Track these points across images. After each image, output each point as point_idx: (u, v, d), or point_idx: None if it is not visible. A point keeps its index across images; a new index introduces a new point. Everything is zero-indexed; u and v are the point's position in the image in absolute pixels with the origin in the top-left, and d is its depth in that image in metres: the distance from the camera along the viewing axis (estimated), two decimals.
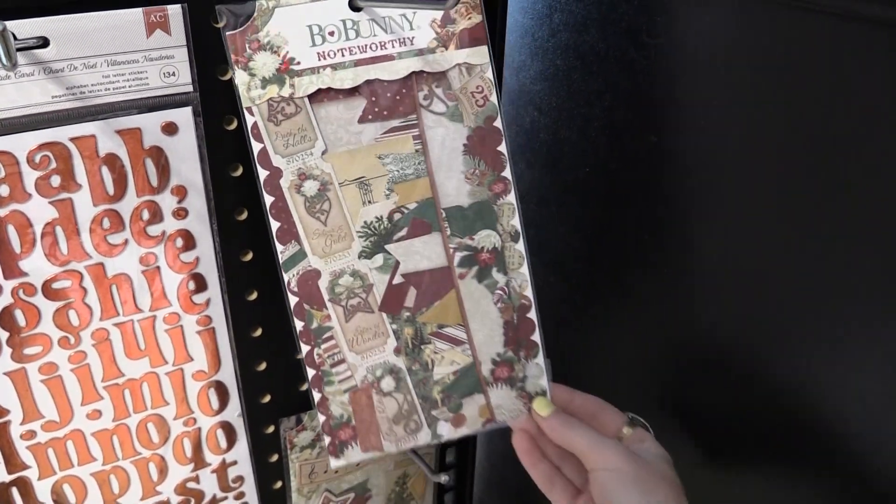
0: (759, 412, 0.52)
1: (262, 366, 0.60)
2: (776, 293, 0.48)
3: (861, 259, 0.42)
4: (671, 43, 0.50)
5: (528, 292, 0.56)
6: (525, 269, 0.56)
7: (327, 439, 0.55)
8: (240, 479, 0.63)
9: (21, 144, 0.44)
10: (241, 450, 0.62)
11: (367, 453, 0.56)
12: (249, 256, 0.55)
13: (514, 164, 0.67)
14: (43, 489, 0.54)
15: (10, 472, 0.52)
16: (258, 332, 0.58)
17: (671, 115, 0.52)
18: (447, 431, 0.57)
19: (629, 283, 0.60)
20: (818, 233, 0.44)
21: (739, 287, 0.50)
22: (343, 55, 0.50)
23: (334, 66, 0.50)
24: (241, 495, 0.64)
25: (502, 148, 0.55)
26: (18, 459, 0.52)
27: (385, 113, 0.52)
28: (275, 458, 0.65)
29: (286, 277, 0.52)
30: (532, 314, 0.57)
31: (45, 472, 0.54)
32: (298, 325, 0.53)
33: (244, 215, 0.54)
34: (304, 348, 0.53)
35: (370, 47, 0.50)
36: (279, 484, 0.67)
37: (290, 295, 0.52)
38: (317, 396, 0.54)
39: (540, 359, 0.57)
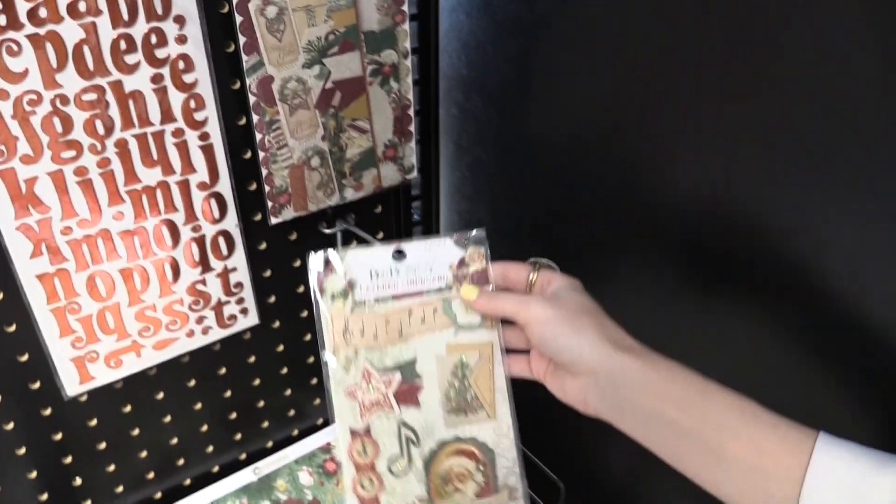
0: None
1: (253, 186, 0.72)
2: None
3: None
4: None
5: (410, 95, 0.77)
6: (409, 79, 0.76)
7: (269, 203, 0.73)
8: (239, 285, 0.76)
9: None
10: (240, 258, 0.74)
11: (297, 212, 0.75)
12: (237, 85, 0.67)
13: (455, 15, 0.79)
14: (79, 280, 0.66)
15: (52, 264, 0.64)
16: (248, 155, 0.71)
17: None
18: (350, 195, 0.78)
19: (562, 102, 0.73)
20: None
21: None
22: None
23: None
24: (241, 300, 0.77)
25: None
26: (59, 253, 0.64)
27: None
28: (268, 273, 0.78)
29: (248, 81, 0.66)
30: (411, 111, 0.78)
31: (81, 265, 0.66)
32: (255, 118, 0.68)
33: (231, 48, 0.65)
34: (258, 136, 0.69)
35: None
36: (273, 298, 0.80)
37: (250, 95, 0.67)
38: (264, 172, 0.71)
39: (412, 143, 0.80)
